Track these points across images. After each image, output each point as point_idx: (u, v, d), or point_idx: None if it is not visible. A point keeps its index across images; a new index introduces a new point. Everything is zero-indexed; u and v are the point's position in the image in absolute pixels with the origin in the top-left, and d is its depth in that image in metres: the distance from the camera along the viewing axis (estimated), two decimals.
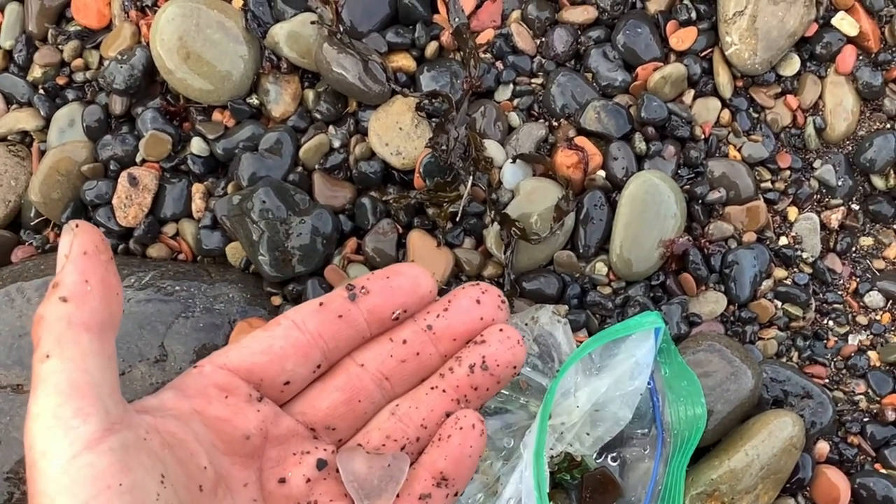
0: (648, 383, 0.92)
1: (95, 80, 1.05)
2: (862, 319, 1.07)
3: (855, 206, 1.09)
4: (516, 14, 1.06)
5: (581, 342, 0.95)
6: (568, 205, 0.99)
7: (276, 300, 1.00)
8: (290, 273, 0.97)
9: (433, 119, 1.01)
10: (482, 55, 1.05)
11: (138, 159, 1.02)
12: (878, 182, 1.09)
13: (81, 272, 0.53)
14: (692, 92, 1.06)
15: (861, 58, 1.09)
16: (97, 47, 1.06)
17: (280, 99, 1.02)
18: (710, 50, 1.06)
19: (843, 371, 1.06)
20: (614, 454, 0.94)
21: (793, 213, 1.07)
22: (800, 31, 1.05)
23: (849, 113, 1.08)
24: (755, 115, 1.08)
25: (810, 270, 1.07)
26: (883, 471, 1.01)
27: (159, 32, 0.99)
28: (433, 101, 1.00)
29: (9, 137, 1.06)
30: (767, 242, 1.06)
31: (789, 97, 1.08)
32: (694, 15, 1.06)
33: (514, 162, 1.01)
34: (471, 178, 0.98)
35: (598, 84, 1.05)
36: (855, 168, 1.09)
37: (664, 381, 0.93)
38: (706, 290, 1.04)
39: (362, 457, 0.63)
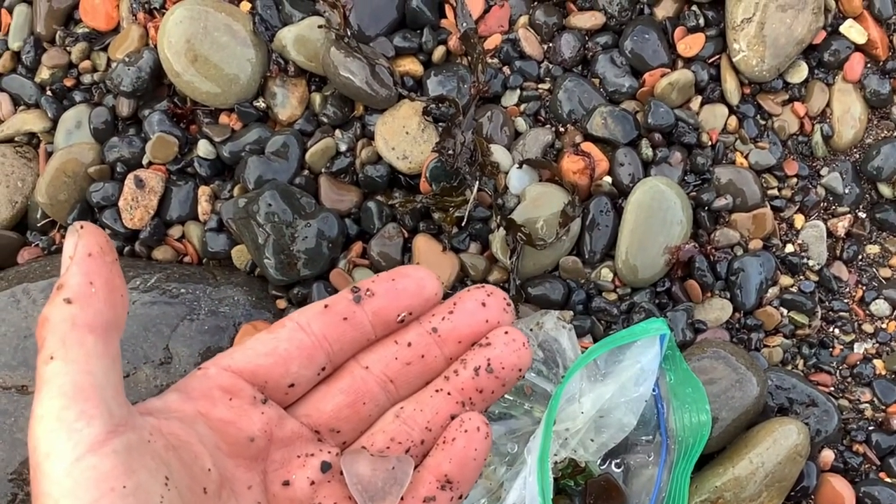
0: (653, 390, 0.91)
1: (103, 82, 1.05)
2: (868, 328, 1.07)
3: (862, 214, 1.09)
4: (524, 19, 1.06)
5: (586, 348, 0.95)
6: (574, 210, 0.99)
7: (282, 303, 1.00)
8: (296, 276, 0.97)
9: (440, 124, 1.01)
10: (489, 60, 1.05)
11: (145, 161, 1.02)
12: (885, 190, 1.08)
13: (86, 274, 0.53)
14: (699, 98, 1.06)
15: (869, 66, 1.09)
16: (105, 49, 1.06)
17: (287, 102, 1.02)
18: (717, 56, 1.06)
19: (849, 379, 1.06)
20: (618, 460, 0.94)
21: (799, 220, 1.07)
22: (808, 38, 1.04)
23: (856, 121, 1.08)
24: (762, 122, 1.08)
25: (816, 278, 1.07)
26: (888, 480, 1.01)
27: (167, 35, 0.99)
28: (440, 105, 1.00)
29: (16, 139, 1.07)
30: (773, 250, 1.05)
31: (797, 104, 1.07)
32: (702, 21, 1.06)
33: (520, 167, 1.01)
34: (477, 182, 0.98)
35: (605, 90, 1.05)
36: (862, 176, 1.09)
37: (669, 387, 0.92)
38: (712, 296, 1.04)
39: (366, 459, 0.63)
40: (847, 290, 1.08)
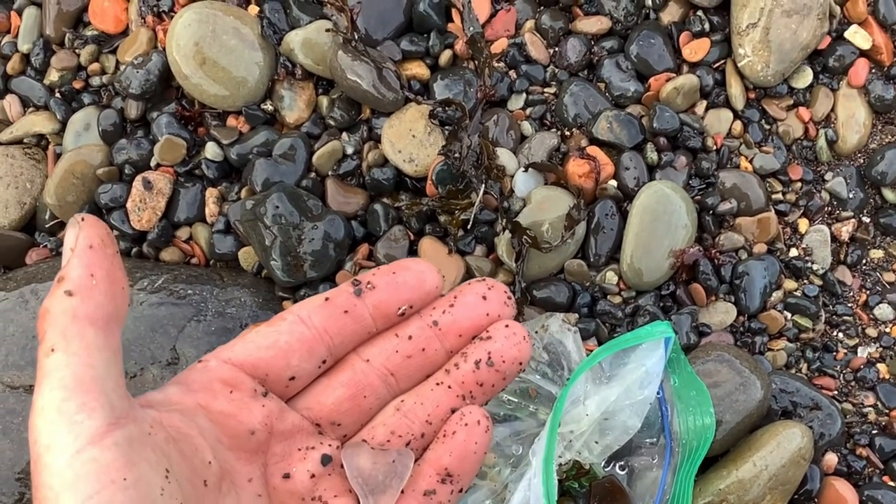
0: (658, 393, 0.92)
1: (112, 85, 1.06)
2: (871, 332, 1.07)
3: (866, 219, 1.09)
4: (530, 24, 1.07)
5: (591, 351, 0.95)
6: (579, 214, 0.99)
7: (288, 305, 1.00)
8: (302, 278, 0.97)
9: (446, 127, 1.01)
10: (496, 64, 1.06)
11: (153, 163, 1.03)
12: (889, 195, 1.09)
13: (87, 266, 0.53)
14: (704, 103, 1.06)
15: (874, 71, 1.09)
16: (114, 52, 1.07)
17: (294, 105, 1.03)
18: (722, 61, 1.07)
19: (853, 383, 1.06)
20: (622, 463, 0.94)
21: (803, 224, 1.07)
22: (813, 43, 1.05)
23: (861, 126, 1.08)
24: (767, 127, 1.08)
25: (820, 282, 1.07)
26: (891, 483, 1.01)
27: (175, 38, 0.99)
28: (446, 109, 1.01)
29: (25, 140, 1.07)
30: (778, 254, 1.06)
31: (801, 109, 1.08)
32: (707, 26, 1.06)
33: (526, 170, 1.02)
34: (483, 185, 0.99)
35: (611, 94, 1.06)
36: (866, 181, 1.09)
37: (673, 390, 0.93)
38: (716, 300, 1.04)
39: (367, 452, 0.63)
40: (851, 294, 1.08)
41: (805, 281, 1.07)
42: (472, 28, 1.03)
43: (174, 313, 0.95)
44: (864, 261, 1.09)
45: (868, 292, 1.08)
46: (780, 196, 1.07)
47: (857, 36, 1.08)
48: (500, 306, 0.65)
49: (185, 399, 0.59)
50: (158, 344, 0.93)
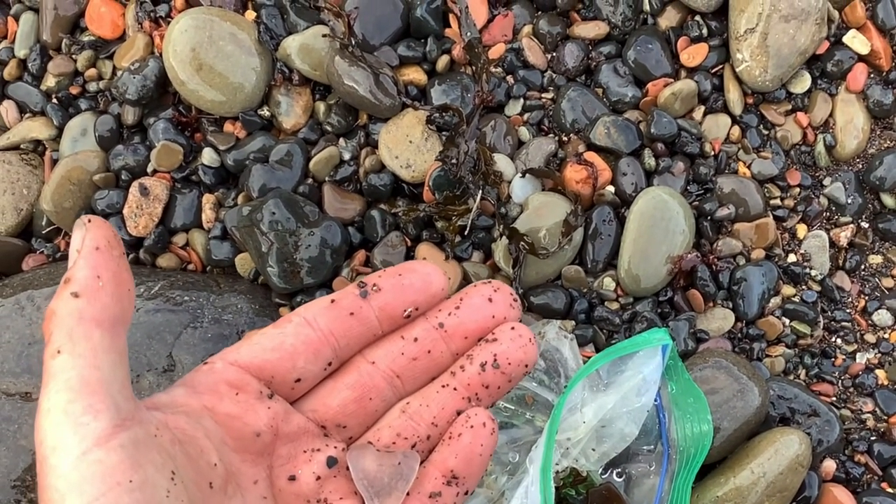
0: (655, 400, 0.91)
1: (108, 90, 1.06)
2: (870, 338, 1.07)
3: (864, 224, 1.09)
4: (528, 29, 1.07)
5: (588, 357, 0.95)
6: (576, 220, 0.99)
7: (285, 311, 1.00)
8: (299, 284, 0.97)
9: (443, 132, 1.01)
10: (493, 69, 1.05)
11: (149, 169, 1.03)
12: (888, 200, 1.08)
13: (93, 267, 0.53)
14: (702, 108, 1.06)
15: (872, 76, 1.09)
16: (110, 57, 1.07)
17: (291, 111, 1.03)
18: (720, 66, 1.07)
19: (851, 389, 1.06)
20: (620, 470, 0.94)
21: (802, 230, 1.07)
22: (811, 48, 1.05)
23: (859, 131, 1.08)
24: (765, 132, 1.08)
25: (819, 288, 1.07)
26: (890, 490, 1.01)
27: (172, 43, 0.99)
28: (444, 114, 1.01)
29: (22, 146, 1.07)
30: (776, 259, 1.06)
31: (800, 114, 1.08)
32: (705, 31, 1.06)
33: (523, 176, 1.01)
34: (480, 191, 0.99)
35: (609, 99, 1.05)
36: (865, 186, 1.09)
37: (671, 397, 0.92)
38: (714, 306, 1.04)
39: (372, 455, 0.63)
40: (849, 300, 1.08)
41: (803, 287, 1.06)
42: (469, 33, 1.03)
43: (170, 320, 0.95)
44: (862, 266, 1.09)
45: (867, 298, 1.08)
46: (778, 201, 1.07)
47: (856, 41, 1.07)
48: (506, 308, 0.65)
49: (191, 401, 0.59)
50: (155, 351, 0.93)
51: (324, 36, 1.00)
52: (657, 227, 1.00)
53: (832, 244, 1.08)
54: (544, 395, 0.92)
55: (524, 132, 1.04)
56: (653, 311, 1.01)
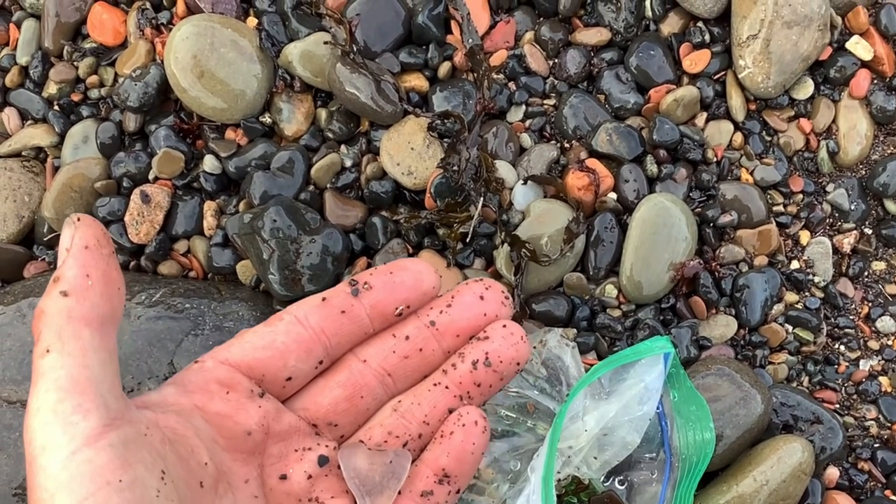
0: (657, 408, 0.91)
1: (110, 97, 1.06)
2: (874, 344, 1.06)
3: (868, 231, 1.09)
4: (529, 35, 1.07)
5: (590, 365, 0.95)
6: (578, 227, 0.99)
7: None
8: (300, 292, 0.97)
9: (445, 139, 1.01)
10: (495, 76, 1.05)
11: (151, 177, 1.03)
12: (892, 206, 1.08)
13: (82, 266, 0.53)
14: (705, 115, 1.06)
15: (875, 82, 1.09)
16: (112, 64, 1.07)
17: (293, 118, 1.03)
18: (723, 73, 1.06)
19: (854, 396, 1.05)
20: (622, 478, 0.94)
21: (805, 237, 1.07)
22: (814, 54, 1.04)
23: (862, 137, 1.08)
24: (768, 139, 1.07)
25: (822, 295, 1.06)
26: (893, 497, 1.01)
27: (174, 50, 0.99)
28: (445, 121, 1.00)
29: (23, 153, 1.07)
30: (779, 266, 1.05)
31: (802, 121, 1.07)
32: (707, 38, 1.06)
33: (525, 183, 1.01)
34: (482, 198, 0.98)
35: (611, 106, 1.05)
36: (868, 192, 1.09)
37: (673, 405, 0.92)
38: (716, 313, 1.04)
39: (364, 453, 0.63)
40: (853, 306, 1.08)
41: (806, 293, 1.06)
42: (471, 40, 1.03)
43: (172, 327, 0.95)
44: (866, 273, 1.08)
45: (870, 304, 1.08)
46: (781, 208, 1.06)
47: (859, 47, 1.07)
48: (498, 306, 0.65)
49: (182, 400, 0.59)
50: (156, 358, 0.93)
51: (325, 43, 1.00)
52: (659, 233, 0.99)
53: (835, 251, 1.07)
54: (546, 403, 0.92)
55: (526, 139, 1.04)
56: (655, 319, 1.01)
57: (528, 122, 1.05)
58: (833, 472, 1.00)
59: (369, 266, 1.01)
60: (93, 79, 1.07)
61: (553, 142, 1.05)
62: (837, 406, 1.05)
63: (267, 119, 1.03)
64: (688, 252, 1.01)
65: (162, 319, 0.95)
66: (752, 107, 1.07)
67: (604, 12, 1.06)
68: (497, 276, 1.01)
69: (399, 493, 0.63)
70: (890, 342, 1.06)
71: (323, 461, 0.63)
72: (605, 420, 0.89)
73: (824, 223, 1.08)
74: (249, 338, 0.63)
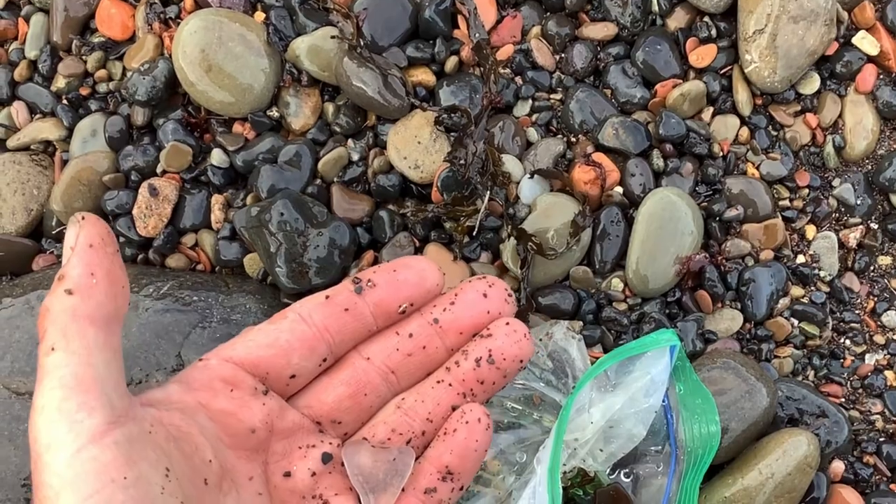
0: (663, 400, 0.91)
1: (118, 91, 1.06)
2: (879, 339, 1.07)
3: (874, 225, 1.09)
4: (536, 30, 1.07)
5: (596, 358, 0.95)
6: (585, 220, 0.99)
7: None
8: (307, 285, 0.97)
9: (452, 133, 1.01)
10: (502, 70, 1.05)
11: (159, 170, 1.03)
12: None
13: (87, 265, 0.54)
14: (711, 109, 1.06)
15: (881, 77, 1.09)
16: (120, 58, 1.07)
17: (300, 112, 1.03)
18: (729, 67, 1.06)
19: (860, 390, 1.05)
20: (627, 470, 0.94)
21: (811, 231, 1.07)
22: (820, 49, 1.04)
23: (868, 132, 1.08)
24: (774, 133, 1.08)
25: (827, 289, 1.06)
26: None
27: (182, 45, 0.99)
28: (452, 115, 1.01)
29: (32, 147, 1.07)
30: (785, 260, 1.05)
31: (809, 115, 1.07)
32: (714, 32, 1.06)
33: (531, 177, 1.02)
34: (488, 192, 0.99)
35: (617, 100, 1.05)
36: (874, 187, 1.09)
37: (678, 398, 0.92)
38: (722, 307, 1.04)
39: (368, 450, 0.63)
40: (858, 301, 1.08)
41: (812, 288, 1.06)
42: (477, 34, 1.03)
43: (179, 320, 0.95)
44: (871, 267, 1.08)
45: (876, 299, 1.08)
46: (787, 202, 1.07)
47: (865, 42, 1.07)
48: (501, 304, 0.65)
49: (186, 397, 0.60)
50: (164, 350, 0.93)
51: (333, 37, 1.01)
52: (665, 227, 1.00)
53: (841, 245, 1.07)
54: (552, 395, 0.92)
55: (532, 133, 1.05)
56: (661, 312, 1.01)
57: (534, 117, 1.05)
58: (838, 466, 1.00)
59: (376, 259, 1.01)
60: (101, 73, 1.07)
61: (559, 136, 1.05)
62: (843, 400, 1.05)
63: (274, 113, 1.03)
64: (694, 246, 1.01)
65: (170, 312, 0.95)
66: (759, 101, 1.07)
67: (610, 7, 1.07)
68: (503, 270, 1.01)
69: (402, 490, 0.63)
70: (895, 337, 1.07)
71: (327, 458, 0.63)
72: (611, 412, 0.89)
73: (830, 218, 1.08)
74: (253, 336, 0.63)
